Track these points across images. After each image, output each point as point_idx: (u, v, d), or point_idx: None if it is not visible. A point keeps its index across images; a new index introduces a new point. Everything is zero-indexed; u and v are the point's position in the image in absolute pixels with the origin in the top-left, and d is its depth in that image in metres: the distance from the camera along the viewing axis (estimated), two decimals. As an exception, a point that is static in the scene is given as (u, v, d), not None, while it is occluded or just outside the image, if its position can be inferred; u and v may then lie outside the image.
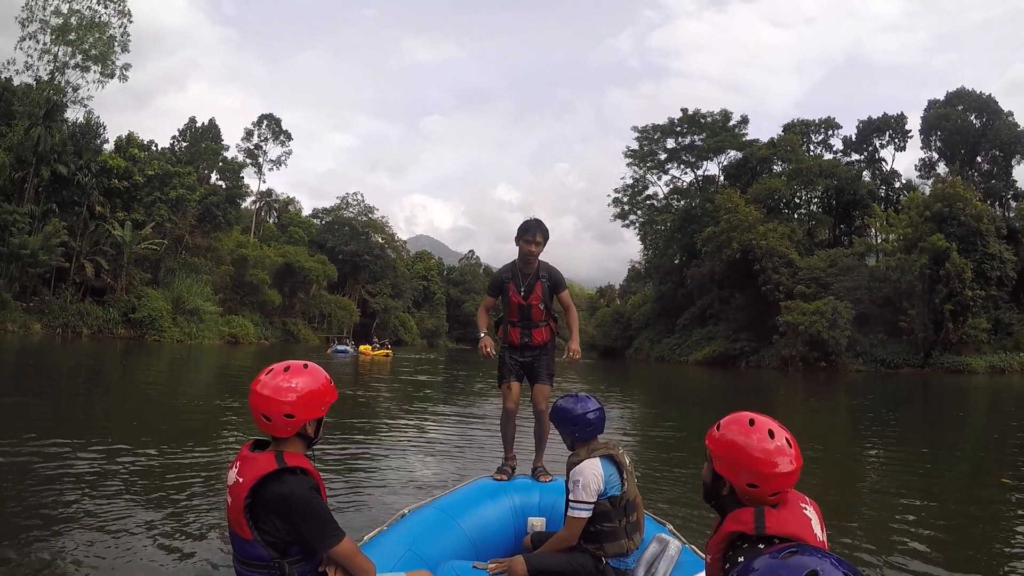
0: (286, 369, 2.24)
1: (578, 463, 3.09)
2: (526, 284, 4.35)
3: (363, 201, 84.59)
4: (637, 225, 71.09)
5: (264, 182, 73.16)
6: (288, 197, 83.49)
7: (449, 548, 3.31)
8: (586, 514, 3.00)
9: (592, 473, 3.02)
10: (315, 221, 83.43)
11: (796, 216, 57.30)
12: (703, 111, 63.10)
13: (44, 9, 39.21)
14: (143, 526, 4.57)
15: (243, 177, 61.78)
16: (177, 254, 48.66)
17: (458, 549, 3.36)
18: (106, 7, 40.50)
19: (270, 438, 2.26)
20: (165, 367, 22.59)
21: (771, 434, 1.71)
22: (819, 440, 10.83)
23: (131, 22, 41.46)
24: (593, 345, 76.61)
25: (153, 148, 48.84)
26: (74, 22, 39.25)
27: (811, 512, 1.75)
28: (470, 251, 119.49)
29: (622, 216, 70.54)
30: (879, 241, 50.75)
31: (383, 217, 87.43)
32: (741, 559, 1.60)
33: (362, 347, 46.42)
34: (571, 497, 3.06)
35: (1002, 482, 7.55)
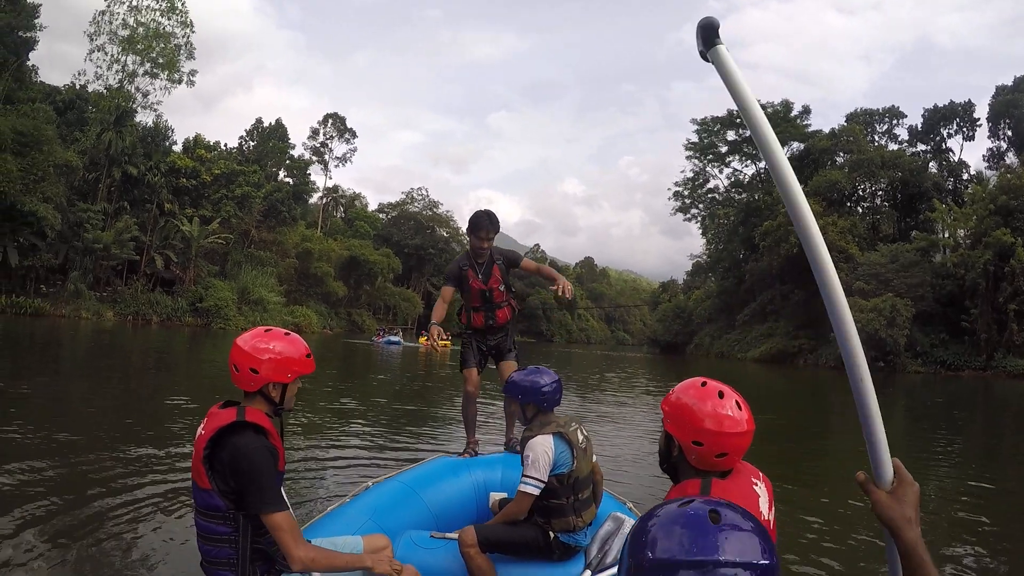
0: (267, 331, 2.36)
1: (531, 438, 3.07)
2: (483, 270, 4.49)
3: (428, 196, 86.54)
4: (698, 219, 69.95)
5: (330, 178, 76.10)
6: (354, 193, 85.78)
7: (410, 519, 3.41)
8: (535, 490, 2.98)
9: (543, 450, 2.98)
10: (381, 216, 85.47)
11: (859, 209, 54.98)
12: (763, 102, 61.24)
13: (111, 23, 41.68)
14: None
15: (310, 174, 64.46)
16: (243, 247, 50.71)
17: (419, 521, 3.44)
18: (169, 19, 42.71)
19: (241, 395, 2.37)
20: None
21: (721, 395, 1.73)
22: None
23: (193, 32, 43.64)
24: (655, 340, 75.95)
25: (221, 148, 51.12)
26: (141, 32, 41.49)
27: (762, 489, 1.75)
28: (536, 244, 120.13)
29: (683, 210, 69.29)
30: (944, 236, 48.24)
31: (448, 211, 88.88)
32: None
33: (421, 339, 47.89)
34: (523, 472, 3.03)
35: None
